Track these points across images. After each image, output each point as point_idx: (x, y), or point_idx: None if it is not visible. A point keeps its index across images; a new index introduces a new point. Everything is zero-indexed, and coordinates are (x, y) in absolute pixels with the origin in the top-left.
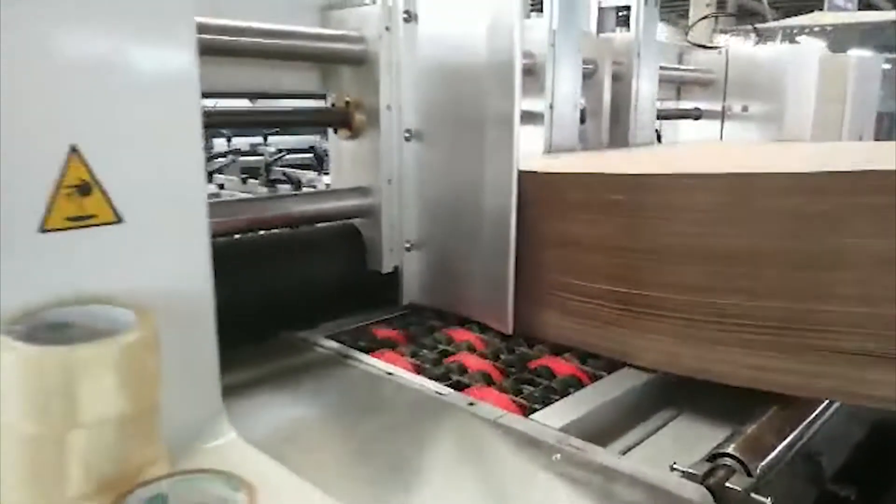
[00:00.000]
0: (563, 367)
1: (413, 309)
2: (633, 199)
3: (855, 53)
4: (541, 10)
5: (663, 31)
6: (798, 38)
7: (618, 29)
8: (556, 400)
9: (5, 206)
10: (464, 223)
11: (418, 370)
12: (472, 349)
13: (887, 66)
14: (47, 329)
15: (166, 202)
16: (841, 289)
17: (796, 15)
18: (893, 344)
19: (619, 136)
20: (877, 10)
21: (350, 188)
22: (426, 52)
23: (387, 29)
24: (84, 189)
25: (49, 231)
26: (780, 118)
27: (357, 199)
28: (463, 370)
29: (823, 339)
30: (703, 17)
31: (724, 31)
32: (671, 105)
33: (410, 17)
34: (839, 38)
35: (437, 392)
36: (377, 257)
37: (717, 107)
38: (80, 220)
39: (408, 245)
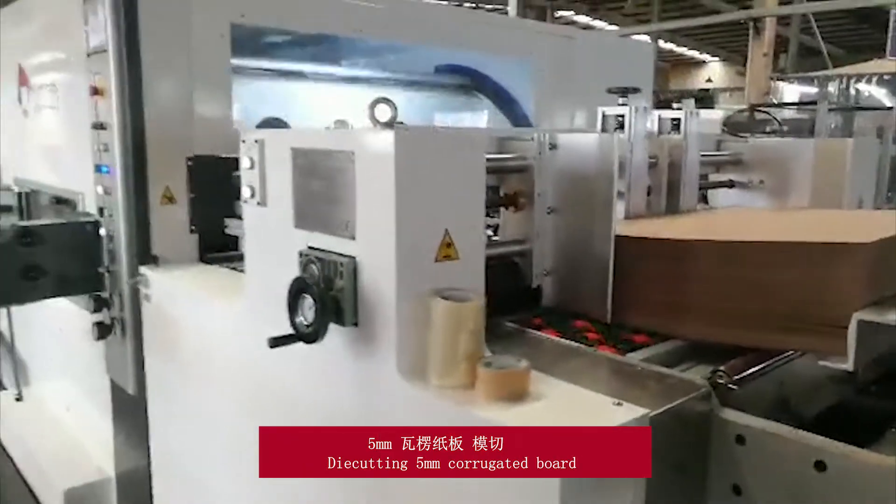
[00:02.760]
0: (638, 338)
1: (548, 309)
2: (670, 254)
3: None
4: None
5: (718, 72)
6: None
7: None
8: (636, 350)
9: (421, 250)
10: (580, 260)
11: (564, 337)
12: (587, 329)
13: None
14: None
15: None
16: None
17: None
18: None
19: (672, 205)
20: None
21: (513, 240)
22: (560, 159)
23: (539, 153)
24: (449, 245)
25: (437, 262)
26: (786, 190)
27: (517, 246)
28: (586, 338)
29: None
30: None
31: (781, 78)
32: (713, 178)
33: (553, 146)
34: None
35: (577, 345)
36: (528, 279)
37: (746, 179)
38: (447, 260)
39: (545, 272)
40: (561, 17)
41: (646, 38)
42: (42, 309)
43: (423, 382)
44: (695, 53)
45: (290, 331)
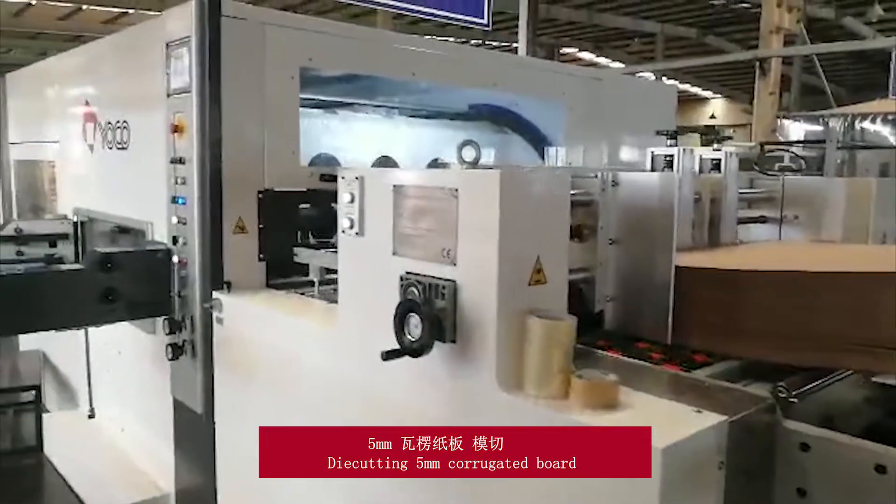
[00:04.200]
0: (698, 357)
1: (609, 333)
2: (728, 282)
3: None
4: None
5: (721, 109)
6: (861, 124)
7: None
8: (697, 369)
9: (517, 275)
10: (640, 287)
11: (630, 357)
12: (650, 350)
13: None
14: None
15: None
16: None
17: (858, 89)
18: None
19: (713, 238)
20: None
21: (578, 268)
22: (622, 195)
23: (602, 190)
24: (539, 270)
25: (530, 286)
26: (820, 225)
27: (582, 274)
28: (650, 357)
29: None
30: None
31: (787, 116)
32: (743, 213)
33: (615, 183)
34: None
35: (645, 364)
36: (591, 304)
37: (776, 214)
38: (538, 284)
39: (607, 298)
40: (566, 55)
41: (650, 75)
42: (97, 332)
43: (520, 392)
44: (698, 90)
45: (395, 347)
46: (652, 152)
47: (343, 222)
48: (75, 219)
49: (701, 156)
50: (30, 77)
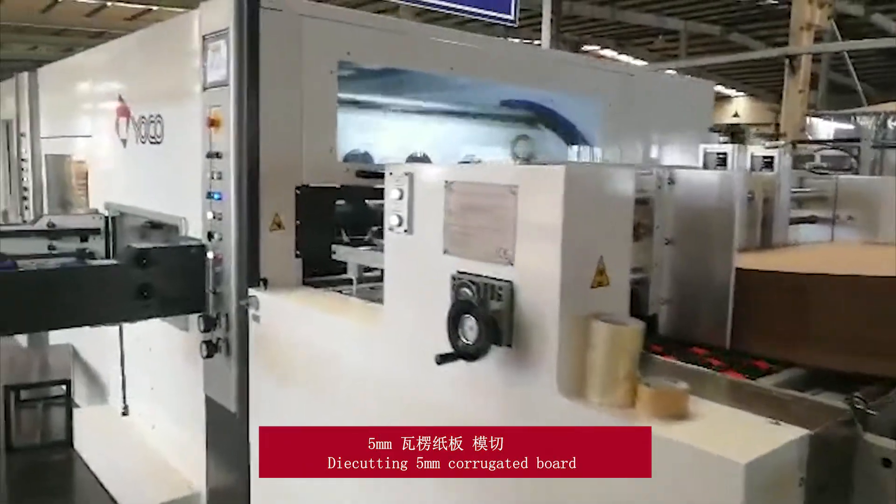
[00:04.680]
0: (761, 364)
1: (664, 337)
2: (793, 286)
3: None
4: None
5: (744, 107)
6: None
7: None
8: (761, 377)
9: (580, 277)
10: (697, 289)
11: (688, 363)
12: (709, 356)
13: None
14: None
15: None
16: None
17: (886, 87)
18: None
19: (766, 238)
20: None
21: (632, 268)
22: (679, 194)
23: (658, 187)
24: (602, 272)
25: (592, 288)
26: (876, 226)
27: (636, 275)
28: (710, 363)
29: None
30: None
31: (816, 114)
32: (796, 213)
33: (671, 181)
34: None
35: (706, 370)
36: (645, 307)
37: (827, 215)
38: (600, 286)
39: (662, 300)
40: (587, 52)
41: (673, 72)
42: (129, 328)
43: (582, 400)
44: (721, 88)
45: (448, 350)
46: (704, 150)
47: (391, 219)
48: (107, 213)
49: (752, 153)
50: (62, 72)
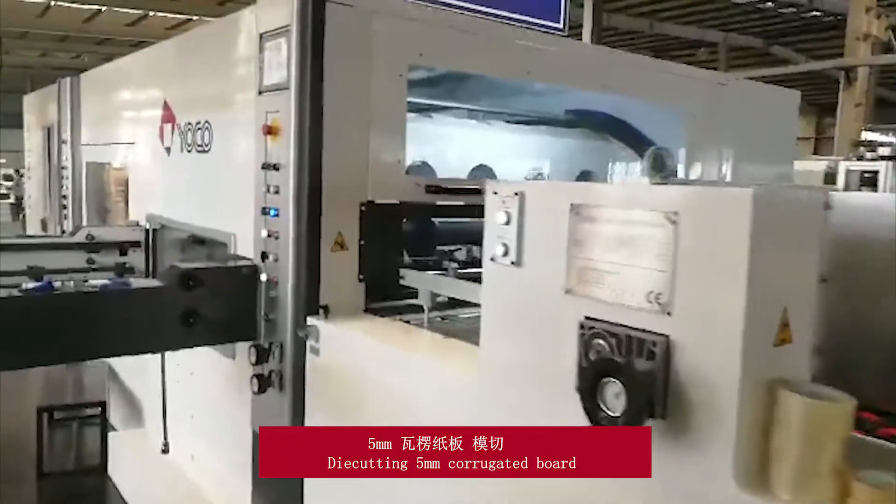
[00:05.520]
0: None
1: None
2: None
3: None
4: None
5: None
6: None
7: None
8: None
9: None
10: (858, 336)
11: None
12: (881, 424)
13: None
14: None
15: None
16: None
17: None
18: None
19: None
20: None
21: None
22: (836, 221)
23: None
24: (786, 325)
25: (775, 346)
26: None
27: None
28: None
29: None
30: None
31: (870, 129)
32: None
33: (828, 206)
34: None
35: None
36: None
37: None
38: (783, 344)
39: (812, 351)
40: None
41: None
42: (169, 352)
43: (767, 495)
44: None
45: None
46: (847, 168)
47: (494, 248)
48: (147, 226)
49: (848, 168)
50: (105, 77)
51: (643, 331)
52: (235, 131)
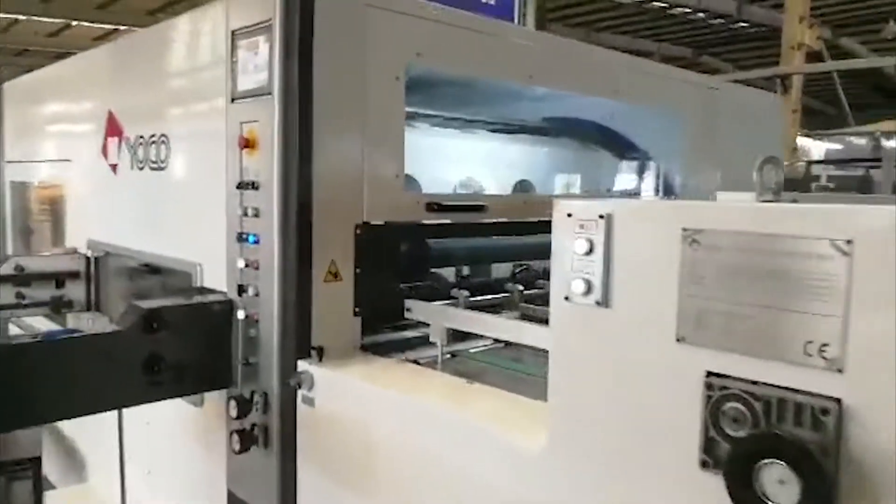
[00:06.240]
0: None
1: None
2: None
3: None
4: None
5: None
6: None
7: None
8: None
9: None
10: None
11: None
12: None
13: None
14: None
15: None
16: None
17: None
18: None
19: None
20: None
21: None
22: None
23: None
24: None
25: None
26: None
27: None
28: None
29: None
30: None
31: (807, 135)
32: None
33: None
34: None
35: None
36: None
37: None
38: None
39: None
40: None
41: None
42: None
43: None
44: None
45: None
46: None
47: (572, 284)
48: (89, 253)
49: None
50: (32, 86)
51: (803, 393)
52: (200, 145)
